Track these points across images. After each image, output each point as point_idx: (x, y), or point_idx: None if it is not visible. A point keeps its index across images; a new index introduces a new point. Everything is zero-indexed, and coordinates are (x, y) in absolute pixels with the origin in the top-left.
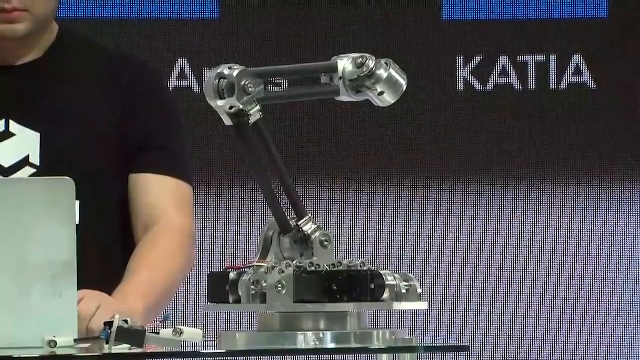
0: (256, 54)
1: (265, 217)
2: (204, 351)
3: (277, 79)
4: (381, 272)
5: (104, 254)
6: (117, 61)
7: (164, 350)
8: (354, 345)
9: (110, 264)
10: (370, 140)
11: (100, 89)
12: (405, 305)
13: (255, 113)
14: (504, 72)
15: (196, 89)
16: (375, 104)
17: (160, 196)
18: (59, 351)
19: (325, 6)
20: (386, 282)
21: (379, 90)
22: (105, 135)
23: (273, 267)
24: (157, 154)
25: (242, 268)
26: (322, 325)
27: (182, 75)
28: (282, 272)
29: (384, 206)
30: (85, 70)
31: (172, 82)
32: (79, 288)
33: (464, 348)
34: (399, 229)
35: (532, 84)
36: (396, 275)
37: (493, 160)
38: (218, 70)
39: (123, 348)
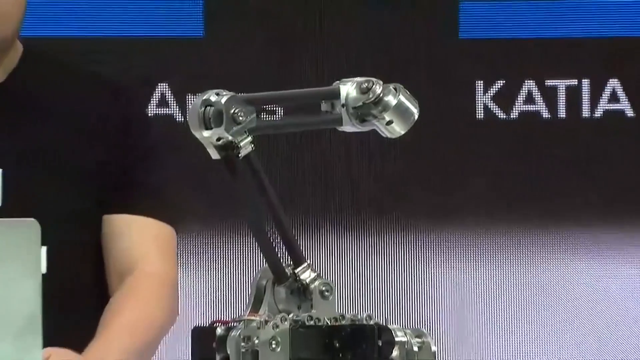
0: (247, 78)
1: (257, 264)
2: None
3: (271, 107)
4: (390, 327)
5: (76, 305)
6: (94, 85)
7: None
8: None
9: (82, 317)
10: (378, 176)
11: (73, 118)
12: None
13: (246, 145)
14: (529, 99)
15: (179, 117)
16: (383, 135)
17: (138, 240)
18: None
19: (325, 22)
20: (396, 339)
21: (387, 119)
22: (78, 172)
23: (266, 322)
24: (137, 193)
25: (230, 323)
26: None
27: (162, 102)
28: (277, 326)
29: (394, 251)
30: (55, 96)
31: (152, 110)
32: (45, 345)
33: None
34: (411, 278)
35: (562, 112)
36: (407, 330)
37: (518, 197)
38: (204, 97)
39: None
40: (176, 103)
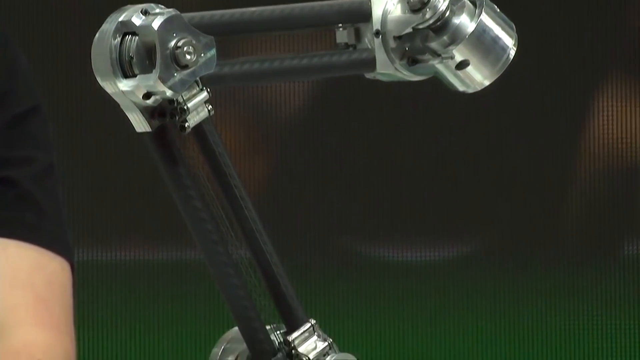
0: None
1: (223, 321)
2: None
3: (244, 34)
4: None
5: None
6: None
7: None
8: None
9: None
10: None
11: None
12: None
13: (197, 108)
14: None
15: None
16: (451, 88)
17: (1, 286)
18: None
19: None
20: None
21: (460, 58)
22: None
23: None
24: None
25: None
26: None
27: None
28: None
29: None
30: None
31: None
32: None
33: None
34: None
35: None
36: None
37: None
38: (121, 18)
39: None
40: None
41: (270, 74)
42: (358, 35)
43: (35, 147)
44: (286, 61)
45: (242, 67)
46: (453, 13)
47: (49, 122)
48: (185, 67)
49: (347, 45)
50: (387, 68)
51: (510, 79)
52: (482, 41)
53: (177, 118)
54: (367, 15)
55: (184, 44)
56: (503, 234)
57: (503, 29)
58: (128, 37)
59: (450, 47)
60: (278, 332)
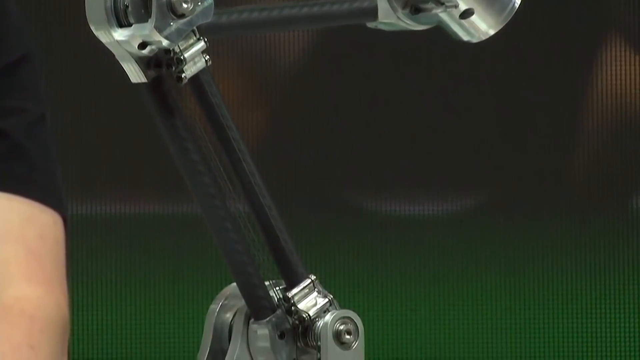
0: None
1: (221, 277)
2: None
3: None
4: None
5: None
6: None
7: None
8: None
9: None
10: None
11: None
12: None
13: (195, 58)
14: None
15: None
16: (455, 37)
17: None
18: None
19: None
20: None
21: (464, 7)
22: None
23: None
24: None
25: None
26: None
27: None
28: None
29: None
30: None
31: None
32: None
33: None
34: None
35: None
36: None
37: None
38: None
39: None
40: None
41: (269, 23)
42: None
43: (26, 97)
44: (285, 10)
45: (240, 16)
46: None
47: (42, 72)
48: (182, 16)
49: None
50: (389, 17)
51: (516, 29)
52: None
53: (173, 68)
54: None
55: None
56: (508, 187)
57: None
58: None
59: None
60: (277, 288)
